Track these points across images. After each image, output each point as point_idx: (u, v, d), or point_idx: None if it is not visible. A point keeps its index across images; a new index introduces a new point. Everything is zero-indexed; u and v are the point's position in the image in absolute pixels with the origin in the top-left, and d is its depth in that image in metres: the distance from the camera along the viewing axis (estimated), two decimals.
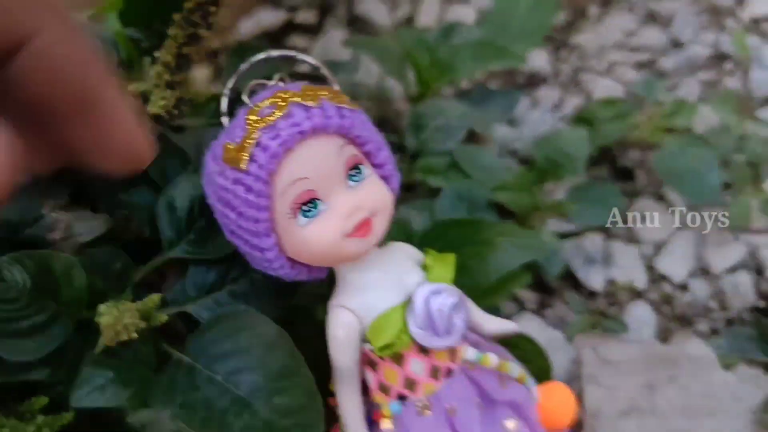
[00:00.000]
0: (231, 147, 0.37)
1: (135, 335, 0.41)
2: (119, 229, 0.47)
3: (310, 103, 0.37)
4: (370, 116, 0.41)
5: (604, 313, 0.68)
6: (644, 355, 0.65)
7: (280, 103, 0.37)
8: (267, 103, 0.37)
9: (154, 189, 0.48)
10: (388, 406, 0.42)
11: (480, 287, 0.50)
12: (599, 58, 0.89)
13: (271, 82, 0.40)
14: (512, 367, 0.45)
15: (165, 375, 0.42)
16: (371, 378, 0.43)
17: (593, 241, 0.73)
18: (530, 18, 0.84)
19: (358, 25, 0.96)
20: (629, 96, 0.82)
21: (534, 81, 0.87)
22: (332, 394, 0.44)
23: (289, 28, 0.96)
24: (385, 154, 0.41)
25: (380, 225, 0.39)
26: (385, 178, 0.41)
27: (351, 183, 0.38)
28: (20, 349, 0.42)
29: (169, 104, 0.46)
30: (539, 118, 0.83)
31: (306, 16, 0.97)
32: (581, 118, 0.73)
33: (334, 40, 0.91)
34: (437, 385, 0.42)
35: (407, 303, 0.40)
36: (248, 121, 0.37)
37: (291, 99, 0.37)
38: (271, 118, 0.36)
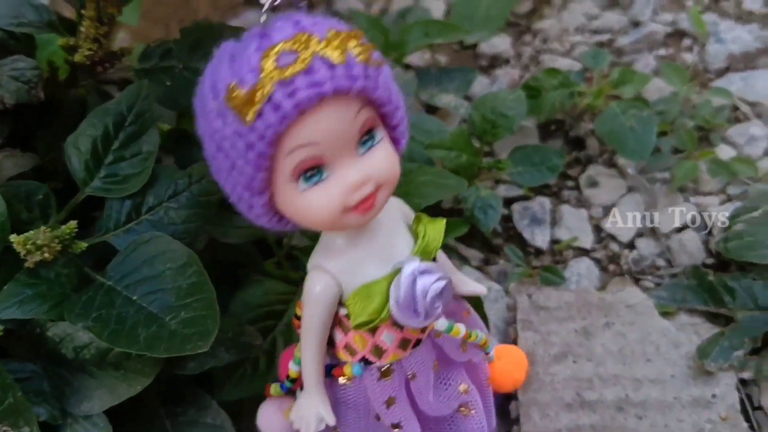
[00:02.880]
0: (238, 92, 0.31)
1: (47, 256, 0.43)
2: (50, 169, 0.49)
3: (335, 58, 0.31)
4: None
5: (544, 266, 0.67)
6: (579, 302, 0.63)
7: (302, 53, 0.30)
8: (287, 46, 0.31)
9: None
10: (351, 367, 0.40)
11: None
12: (561, 41, 0.88)
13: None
14: (478, 335, 0.44)
15: (83, 294, 0.44)
16: (339, 337, 0.40)
17: (542, 204, 0.72)
18: (493, 6, 0.85)
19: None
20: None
21: (496, 63, 0.88)
22: (298, 317, 0.41)
23: None
24: (401, 114, 0.36)
25: (383, 198, 0.35)
26: (395, 140, 0.36)
27: (361, 150, 0.34)
28: None
29: (95, 55, 0.48)
30: None
31: None
32: (528, 87, 0.73)
33: None
34: (404, 354, 0.40)
35: (393, 276, 0.37)
36: (263, 67, 0.30)
37: (315, 49, 0.31)
38: (290, 71, 0.30)
